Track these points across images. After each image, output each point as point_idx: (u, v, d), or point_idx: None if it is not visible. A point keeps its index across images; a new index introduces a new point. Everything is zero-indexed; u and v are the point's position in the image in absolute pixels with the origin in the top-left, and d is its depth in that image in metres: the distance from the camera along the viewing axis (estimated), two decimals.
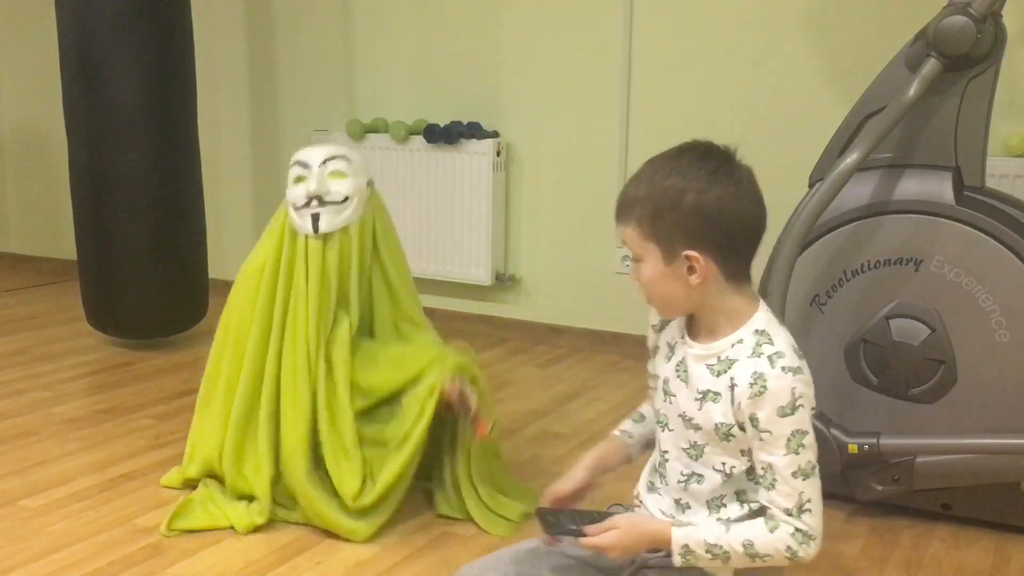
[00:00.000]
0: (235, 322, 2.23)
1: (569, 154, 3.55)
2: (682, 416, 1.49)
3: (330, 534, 2.10)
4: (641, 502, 1.59)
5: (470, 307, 3.79)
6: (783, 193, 2.87)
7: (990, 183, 2.22)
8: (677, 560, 1.43)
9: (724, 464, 1.46)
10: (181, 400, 2.89)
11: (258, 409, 2.15)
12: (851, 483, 2.17)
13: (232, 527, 2.11)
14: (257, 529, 2.11)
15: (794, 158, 2.88)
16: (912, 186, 2.12)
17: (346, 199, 2.19)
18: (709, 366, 1.45)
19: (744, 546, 1.40)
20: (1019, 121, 2.84)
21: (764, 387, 1.38)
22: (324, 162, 2.19)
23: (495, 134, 3.61)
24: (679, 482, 1.51)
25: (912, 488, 2.13)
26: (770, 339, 1.42)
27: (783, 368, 1.38)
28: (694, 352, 1.48)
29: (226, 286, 4.02)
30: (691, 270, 1.41)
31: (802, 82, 3.14)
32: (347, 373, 2.13)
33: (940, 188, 2.09)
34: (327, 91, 3.98)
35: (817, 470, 1.41)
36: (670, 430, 1.52)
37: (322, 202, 2.17)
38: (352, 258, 2.21)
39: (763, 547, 1.40)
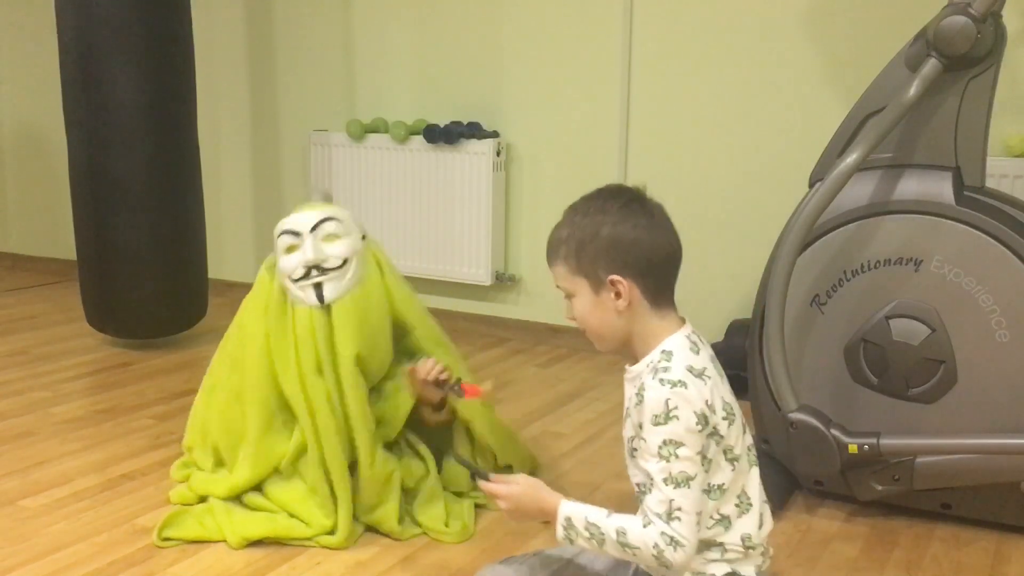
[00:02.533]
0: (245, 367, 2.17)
1: (569, 154, 3.55)
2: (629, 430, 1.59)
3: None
4: None
5: (470, 307, 3.79)
6: (783, 193, 2.89)
7: (990, 183, 2.22)
8: (559, 532, 1.54)
9: (637, 485, 1.55)
10: (181, 400, 2.89)
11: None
12: (851, 483, 2.17)
13: (224, 540, 2.07)
14: None
15: (794, 158, 2.88)
16: (912, 186, 2.12)
17: (345, 262, 2.07)
18: (632, 385, 1.57)
19: (617, 533, 1.49)
20: (1019, 121, 2.84)
21: (642, 397, 1.50)
22: (315, 227, 2.07)
23: (495, 134, 3.61)
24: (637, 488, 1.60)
25: (912, 488, 2.13)
26: (669, 357, 1.53)
27: (660, 380, 1.49)
28: (626, 377, 1.60)
29: (226, 286, 4.03)
30: (617, 295, 1.53)
31: (802, 82, 3.14)
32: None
33: (940, 188, 2.09)
34: (327, 91, 3.98)
35: (694, 483, 1.47)
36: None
37: (322, 270, 2.05)
38: (365, 317, 2.10)
39: (634, 539, 1.48)
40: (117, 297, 3.35)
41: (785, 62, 3.16)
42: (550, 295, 3.64)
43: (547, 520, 1.59)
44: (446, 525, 2.11)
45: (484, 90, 3.66)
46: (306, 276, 2.05)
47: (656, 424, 1.48)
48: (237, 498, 2.17)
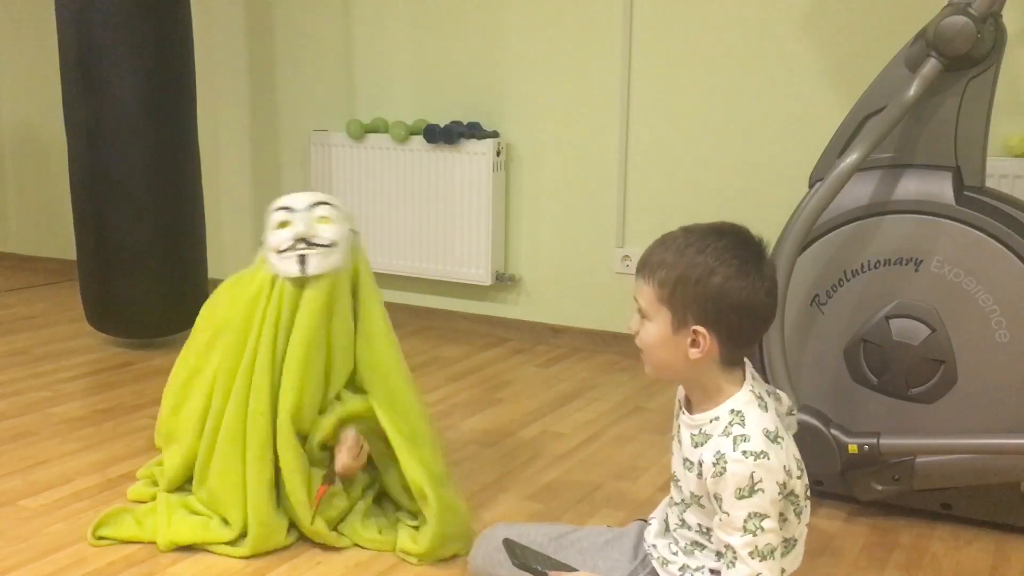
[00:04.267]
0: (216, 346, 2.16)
1: (569, 154, 3.55)
2: (679, 471, 1.58)
3: None
4: (653, 545, 1.67)
5: (470, 307, 3.79)
6: (783, 193, 2.89)
7: (990, 183, 2.22)
8: None
9: (699, 524, 1.54)
10: None
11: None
12: (851, 483, 2.17)
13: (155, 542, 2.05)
14: None
15: (794, 158, 2.88)
16: (912, 186, 2.12)
17: (333, 243, 2.05)
18: (692, 436, 1.53)
19: None
20: (1019, 121, 2.84)
21: (724, 468, 1.43)
22: (311, 206, 2.08)
23: (495, 134, 3.61)
24: (677, 522, 1.60)
25: (912, 488, 2.13)
26: (742, 420, 1.47)
27: (744, 452, 1.43)
28: (684, 420, 1.56)
29: None
30: (694, 343, 1.47)
31: (802, 82, 3.14)
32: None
33: (940, 188, 2.09)
34: (327, 91, 3.98)
35: (777, 552, 1.45)
36: (676, 480, 1.61)
37: (310, 244, 2.03)
38: (333, 307, 2.07)
39: None
40: (117, 297, 3.35)
41: (785, 62, 3.16)
42: (550, 295, 3.64)
43: None
44: (379, 533, 2.08)
45: (484, 90, 3.66)
46: (292, 248, 2.03)
47: (740, 498, 1.43)
48: (183, 496, 2.16)
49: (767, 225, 2.73)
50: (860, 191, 2.15)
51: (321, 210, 2.08)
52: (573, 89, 3.50)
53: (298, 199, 2.10)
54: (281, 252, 2.04)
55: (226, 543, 2.03)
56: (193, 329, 2.28)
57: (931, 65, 2.04)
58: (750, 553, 1.43)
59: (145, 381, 3.14)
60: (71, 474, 2.40)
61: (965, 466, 2.08)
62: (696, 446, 1.50)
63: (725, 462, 1.43)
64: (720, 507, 1.45)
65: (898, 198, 2.13)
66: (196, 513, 2.11)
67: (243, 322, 2.09)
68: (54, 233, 4.67)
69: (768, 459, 1.43)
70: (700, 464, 1.48)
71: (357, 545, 2.07)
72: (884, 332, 2.13)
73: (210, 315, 2.22)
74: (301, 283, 2.03)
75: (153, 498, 2.20)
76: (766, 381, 2.19)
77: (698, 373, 1.51)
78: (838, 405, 2.18)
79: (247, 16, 4.12)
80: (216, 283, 3.77)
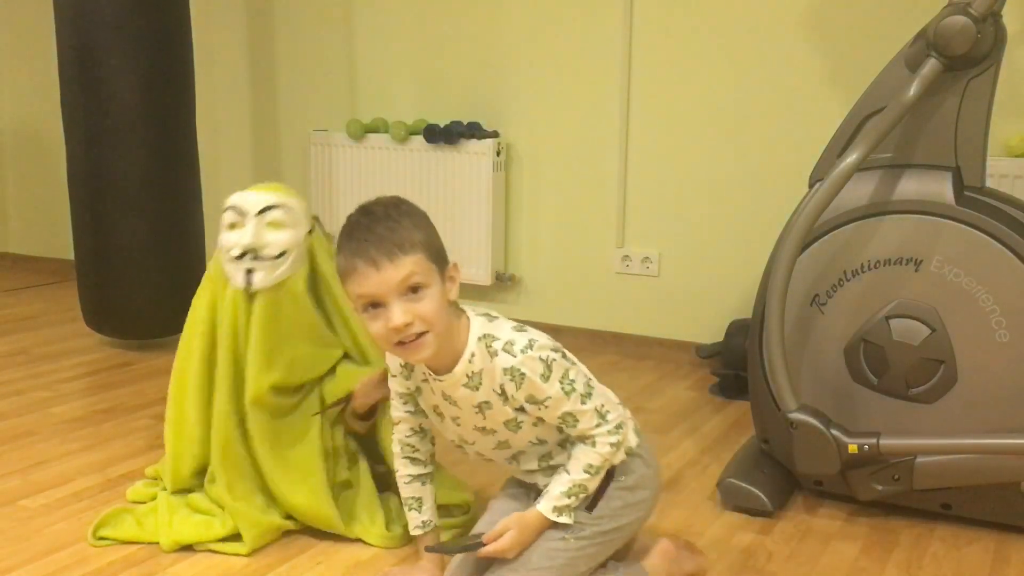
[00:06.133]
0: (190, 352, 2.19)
1: (569, 154, 3.55)
2: (476, 428, 1.69)
3: (329, 535, 2.09)
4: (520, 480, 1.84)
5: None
6: (783, 193, 2.89)
7: (990, 183, 2.22)
8: (563, 520, 1.66)
9: (531, 441, 1.70)
10: None
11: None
12: (851, 483, 2.17)
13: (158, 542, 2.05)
14: None
15: (794, 158, 2.89)
16: (912, 186, 2.12)
17: (282, 254, 2.03)
18: (465, 386, 1.63)
19: (586, 471, 1.65)
20: (1019, 121, 2.84)
21: (522, 375, 1.59)
22: (261, 211, 2.03)
23: (495, 134, 3.61)
24: (508, 462, 1.75)
25: (912, 488, 2.13)
26: (492, 337, 1.61)
27: (520, 350, 1.59)
28: (445, 385, 1.65)
29: None
30: (451, 280, 1.61)
31: (802, 82, 3.14)
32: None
33: (940, 188, 2.09)
34: (327, 91, 3.98)
35: (592, 381, 1.67)
36: (470, 444, 1.74)
37: (256, 256, 2.02)
38: (285, 313, 2.08)
39: (598, 460, 1.65)
40: (116, 297, 3.35)
41: (785, 62, 3.16)
42: (550, 295, 3.65)
43: (546, 529, 1.68)
44: (386, 529, 2.09)
45: (484, 90, 3.66)
46: (240, 258, 2.03)
47: (547, 380, 1.60)
48: (184, 496, 2.17)
49: (767, 225, 2.75)
50: (860, 191, 2.15)
51: (273, 215, 2.04)
52: (573, 89, 3.50)
53: (249, 201, 2.06)
54: (230, 260, 2.04)
55: (230, 539, 2.04)
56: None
57: (931, 65, 2.04)
58: (581, 402, 1.62)
59: (145, 381, 3.14)
60: (71, 474, 2.40)
61: (965, 466, 2.08)
62: (476, 388, 1.62)
63: (518, 370, 1.59)
64: (537, 401, 1.61)
65: (898, 198, 2.13)
66: (199, 512, 2.11)
67: (207, 324, 2.12)
68: (54, 233, 4.67)
69: (537, 340, 1.61)
70: (500, 393, 1.61)
71: (361, 540, 2.08)
72: (884, 332, 2.13)
73: (190, 316, 2.22)
74: (250, 294, 2.04)
75: (153, 498, 2.20)
76: (767, 381, 2.21)
77: (448, 325, 1.59)
78: (838, 405, 2.18)
79: (247, 16, 4.12)
80: None
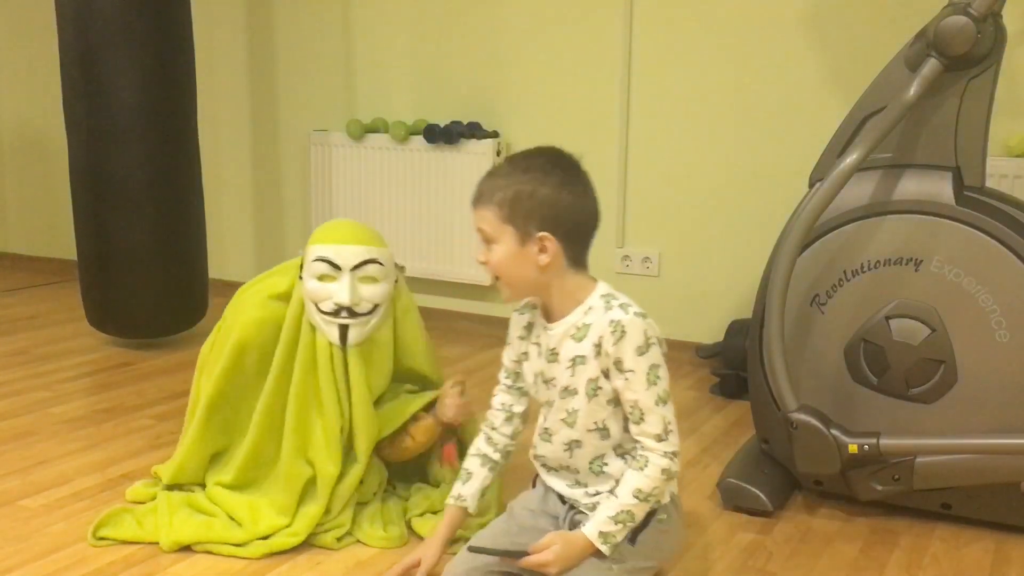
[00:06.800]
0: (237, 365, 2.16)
1: None
2: (562, 390, 1.71)
3: None
4: (544, 483, 1.83)
5: (470, 307, 3.79)
6: (783, 193, 2.89)
7: (990, 183, 2.22)
8: (605, 549, 1.64)
9: (596, 423, 1.70)
10: (181, 400, 2.88)
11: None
12: (851, 483, 2.17)
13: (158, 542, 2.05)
14: None
15: (794, 158, 2.89)
16: (912, 186, 2.12)
17: (375, 307, 2.04)
18: (571, 336, 1.69)
19: (635, 496, 1.64)
20: (1019, 121, 2.84)
21: (624, 330, 1.63)
22: (356, 267, 2.01)
23: (495, 134, 3.61)
24: (564, 451, 1.74)
25: (912, 488, 2.13)
26: (615, 297, 1.69)
27: (635, 313, 1.65)
28: (556, 332, 1.71)
29: (226, 286, 4.02)
30: (542, 250, 1.65)
31: (802, 82, 3.14)
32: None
33: (940, 188, 2.09)
34: (327, 91, 3.98)
35: (670, 398, 1.66)
36: (549, 405, 1.76)
37: (352, 313, 2.01)
38: (375, 365, 2.11)
39: (647, 485, 1.64)
40: (117, 297, 3.35)
41: (785, 62, 3.16)
42: None
43: (589, 554, 1.66)
44: (384, 530, 2.09)
45: (484, 90, 3.66)
46: (335, 314, 2.01)
47: (640, 354, 1.63)
48: (185, 496, 2.17)
49: (767, 225, 2.74)
50: (860, 191, 2.15)
51: (368, 269, 2.02)
52: (573, 89, 3.50)
53: (345, 255, 2.01)
54: (322, 314, 2.02)
55: (233, 544, 2.03)
56: (216, 332, 2.25)
57: (931, 65, 2.04)
58: (655, 402, 1.63)
59: (145, 381, 3.14)
60: (71, 474, 2.40)
61: (965, 466, 2.08)
62: (580, 340, 1.67)
63: (623, 325, 1.63)
64: (622, 369, 1.64)
65: (898, 198, 2.13)
66: (199, 512, 2.11)
67: (278, 346, 2.09)
68: (54, 233, 4.67)
69: (651, 322, 1.66)
70: (597, 346, 1.65)
71: (361, 542, 2.08)
72: (884, 332, 2.13)
73: (232, 324, 2.17)
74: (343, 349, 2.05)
75: (153, 498, 2.20)
76: (767, 381, 2.21)
77: (550, 278, 1.68)
78: (838, 405, 2.18)
79: (247, 16, 4.12)
80: (216, 283, 3.77)
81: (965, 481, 2.10)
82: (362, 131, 3.77)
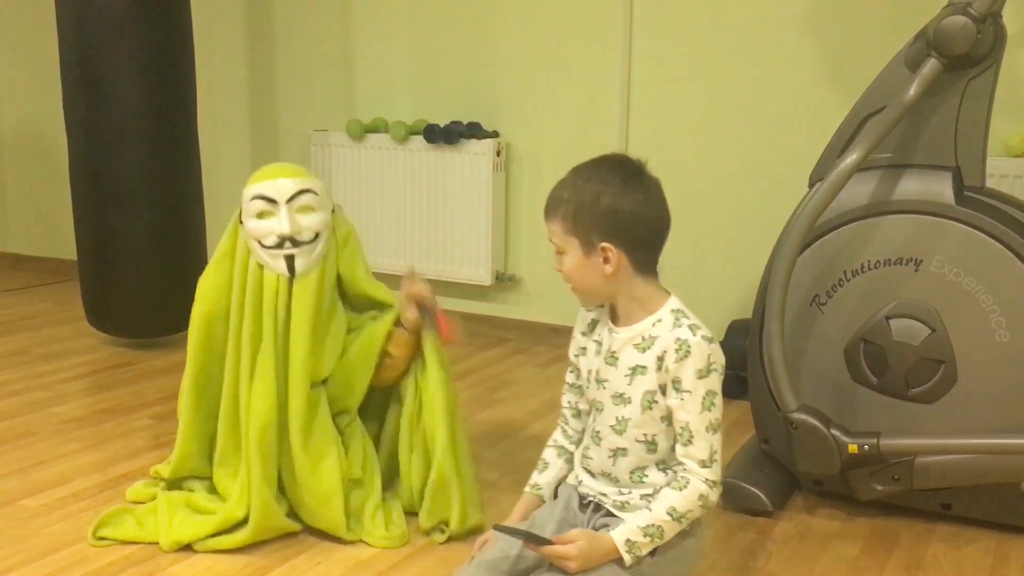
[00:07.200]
0: (205, 341, 2.18)
1: (569, 154, 3.50)
2: (614, 395, 1.70)
3: (330, 535, 2.09)
4: (581, 483, 1.80)
5: (470, 307, 3.79)
6: (783, 193, 2.89)
7: (990, 183, 2.22)
8: (627, 559, 1.62)
9: (645, 435, 1.68)
10: None
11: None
12: (851, 483, 2.17)
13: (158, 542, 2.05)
14: None
15: (794, 158, 2.88)
16: (912, 186, 2.12)
17: (316, 236, 2.09)
18: (635, 345, 1.68)
19: (669, 513, 1.62)
20: (1019, 121, 2.84)
21: (688, 351, 1.62)
22: (292, 198, 2.07)
23: (495, 134, 3.61)
24: (608, 457, 1.72)
25: (912, 488, 2.13)
26: (686, 316, 1.68)
27: (703, 337, 1.64)
28: (620, 336, 1.70)
29: None
30: (606, 260, 1.64)
31: (802, 82, 3.14)
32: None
33: (940, 188, 2.10)
34: (327, 91, 3.98)
35: (720, 429, 1.65)
36: (599, 411, 1.74)
37: (295, 243, 2.06)
38: (326, 295, 2.13)
39: (683, 506, 1.63)
40: (117, 297, 3.36)
41: (785, 62, 3.16)
42: (550, 295, 3.64)
43: (612, 558, 1.64)
44: (386, 530, 2.10)
45: (484, 90, 3.66)
46: (278, 246, 2.06)
47: (700, 377, 1.62)
48: (184, 495, 2.17)
49: (767, 225, 2.74)
50: (860, 191, 2.15)
51: (303, 200, 2.08)
52: (573, 89, 3.50)
53: (279, 188, 2.08)
54: (266, 248, 2.06)
55: (227, 530, 2.04)
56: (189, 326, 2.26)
57: (931, 65, 2.04)
58: (706, 428, 1.63)
59: (145, 381, 3.14)
60: (71, 474, 2.40)
61: (965, 466, 2.07)
62: (644, 351, 1.66)
63: (689, 345, 1.62)
64: (679, 388, 1.63)
65: (898, 198, 2.13)
66: (199, 512, 2.11)
67: (236, 303, 2.11)
68: (54, 233, 4.67)
69: (718, 348, 1.66)
70: (660, 360, 1.64)
71: (363, 542, 2.08)
72: (884, 332, 2.13)
73: (207, 296, 2.19)
74: (291, 279, 2.07)
75: (153, 498, 2.20)
76: (767, 381, 2.21)
77: (619, 286, 1.67)
78: (838, 405, 2.18)
79: (247, 16, 4.12)
80: None
81: (965, 481, 2.10)
82: (362, 131, 3.77)
